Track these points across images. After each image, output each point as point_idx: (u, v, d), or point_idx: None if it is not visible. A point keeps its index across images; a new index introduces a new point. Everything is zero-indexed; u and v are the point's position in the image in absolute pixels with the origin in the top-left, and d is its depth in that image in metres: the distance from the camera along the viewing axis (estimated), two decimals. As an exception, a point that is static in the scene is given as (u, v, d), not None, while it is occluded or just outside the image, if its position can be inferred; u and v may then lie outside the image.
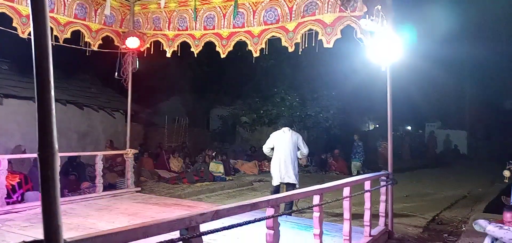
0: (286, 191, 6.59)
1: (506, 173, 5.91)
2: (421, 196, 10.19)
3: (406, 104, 22.08)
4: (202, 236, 2.22)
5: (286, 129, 6.86)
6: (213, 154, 13.69)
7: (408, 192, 10.38)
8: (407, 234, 6.40)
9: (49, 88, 1.44)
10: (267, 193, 8.58)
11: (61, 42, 6.32)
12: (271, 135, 7.04)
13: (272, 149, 6.91)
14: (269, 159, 7.47)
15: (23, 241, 1.45)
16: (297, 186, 6.65)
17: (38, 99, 1.44)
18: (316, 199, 3.54)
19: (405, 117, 24.42)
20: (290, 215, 6.40)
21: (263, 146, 7.12)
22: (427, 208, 8.47)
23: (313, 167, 15.11)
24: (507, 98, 22.35)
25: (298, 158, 6.93)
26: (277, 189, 6.79)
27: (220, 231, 2.27)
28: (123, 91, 8.05)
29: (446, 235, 6.47)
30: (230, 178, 12.56)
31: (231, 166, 13.68)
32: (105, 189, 7.85)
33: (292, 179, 6.68)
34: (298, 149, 6.82)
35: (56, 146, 1.44)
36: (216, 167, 12.77)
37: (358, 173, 13.02)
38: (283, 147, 6.72)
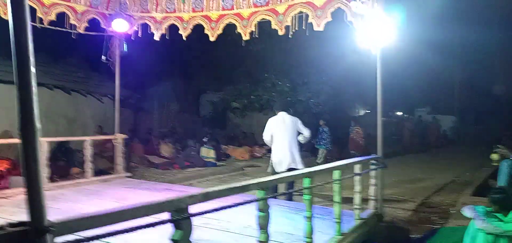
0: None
1: (494, 156, 5.98)
2: (411, 181, 10.30)
3: (397, 89, 22.18)
4: (192, 218, 2.19)
5: (283, 114, 6.47)
6: (204, 139, 13.66)
7: (398, 177, 10.48)
8: (396, 217, 6.48)
9: (28, 64, 1.38)
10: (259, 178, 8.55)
11: (45, 24, 6.16)
12: (268, 122, 6.58)
13: (272, 136, 6.46)
14: (260, 144, 7.11)
15: (9, 223, 1.40)
16: None
17: (17, 76, 1.39)
18: (306, 182, 3.53)
19: (395, 102, 24.54)
20: (290, 199, 6.26)
21: (263, 136, 6.63)
22: (416, 193, 8.57)
23: (303, 152, 15.14)
24: (496, 83, 22.55)
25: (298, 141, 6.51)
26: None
27: (209, 213, 2.24)
28: (111, 76, 7.91)
29: (435, 218, 6.56)
30: (221, 163, 12.56)
31: (222, 152, 13.67)
32: (95, 174, 7.78)
33: (299, 165, 6.24)
34: (299, 133, 6.43)
35: (38, 124, 1.39)
36: (207, 153, 12.75)
37: (325, 161, 12.70)
38: (285, 134, 6.31)
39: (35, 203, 1.35)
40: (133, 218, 1.84)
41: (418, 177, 10.99)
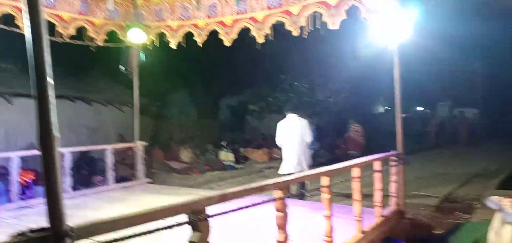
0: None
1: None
2: (434, 176, 10.11)
3: (416, 84, 21.80)
4: (210, 220, 2.21)
5: (291, 115, 6.58)
6: (223, 143, 13.75)
7: (421, 173, 10.31)
8: (419, 214, 6.37)
9: (45, 76, 1.44)
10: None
11: (65, 39, 6.32)
12: (277, 126, 6.76)
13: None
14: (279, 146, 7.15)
15: (29, 229, 1.45)
16: None
17: (36, 87, 1.44)
18: (325, 181, 3.51)
19: (415, 97, 24.14)
20: (302, 198, 6.35)
21: (276, 140, 6.80)
22: (439, 188, 8.40)
23: (323, 152, 15.06)
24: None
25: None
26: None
27: (227, 213, 2.26)
28: (130, 85, 8.06)
29: (459, 213, 6.42)
30: (241, 166, 12.60)
31: (241, 155, 13.72)
32: (116, 181, 7.92)
33: (305, 168, 6.36)
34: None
35: (57, 134, 1.44)
36: (226, 156, 12.84)
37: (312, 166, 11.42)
38: (291, 137, 6.44)
39: (54, 209, 1.40)
40: (151, 221, 1.88)
41: (442, 171, 10.79)
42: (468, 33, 21.45)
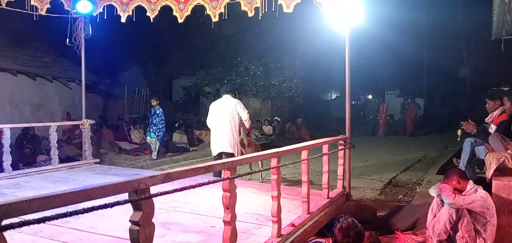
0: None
1: (459, 132, 6.18)
2: (379, 161, 10.54)
3: (367, 72, 22.51)
4: (154, 199, 2.15)
5: (226, 96, 6.43)
6: (176, 125, 13.52)
7: (368, 158, 10.71)
8: (364, 196, 6.62)
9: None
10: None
11: (3, 5, 5.88)
12: (210, 106, 6.60)
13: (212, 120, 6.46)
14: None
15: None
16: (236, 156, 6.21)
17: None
18: (273, 162, 3.54)
19: (366, 85, 24.93)
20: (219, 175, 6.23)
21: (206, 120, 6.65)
22: (384, 172, 8.77)
23: (276, 136, 15.26)
24: (461, 66, 23.21)
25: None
26: (219, 158, 6.26)
27: (171, 193, 2.21)
28: (78, 61, 7.67)
29: (401, 196, 6.74)
30: (194, 148, 12.47)
31: (195, 137, 13.57)
32: (62, 161, 7.58)
33: (227, 148, 6.23)
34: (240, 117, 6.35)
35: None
36: (180, 138, 12.64)
37: (157, 152, 10.43)
38: (220, 116, 6.31)
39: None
40: (89, 200, 1.79)
41: (387, 157, 11.26)
42: (417, 22, 22.37)
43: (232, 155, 6.13)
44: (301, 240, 3.82)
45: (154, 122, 10.45)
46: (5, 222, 1.43)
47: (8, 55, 11.11)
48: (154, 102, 10.64)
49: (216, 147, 6.37)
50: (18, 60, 11.31)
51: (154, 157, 10.28)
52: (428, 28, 23.37)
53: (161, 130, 10.46)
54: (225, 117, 6.27)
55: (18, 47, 11.98)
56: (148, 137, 10.52)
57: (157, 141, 10.41)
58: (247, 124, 6.43)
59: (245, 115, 6.33)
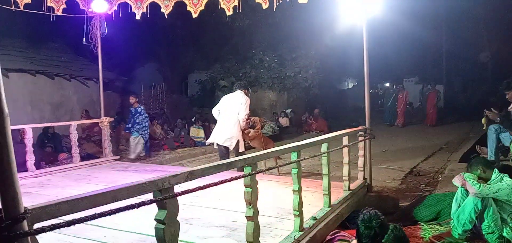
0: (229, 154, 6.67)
1: (484, 120, 6.05)
2: (399, 149, 10.40)
3: (383, 59, 22.13)
4: (178, 198, 2.16)
5: (238, 92, 6.79)
6: (193, 119, 13.59)
7: (387, 147, 10.58)
8: (386, 187, 6.54)
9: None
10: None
11: (21, 7, 5.96)
12: (222, 98, 7.00)
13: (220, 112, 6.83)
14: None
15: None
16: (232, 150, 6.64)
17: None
18: (294, 156, 3.51)
19: (383, 73, 24.54)
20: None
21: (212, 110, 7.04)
22: (405, 161, 8.65)
23: (293, 127, 15.19)
24: (482, 50, 22.61)
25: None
26: (223, 150, 6.73)
27: (195, 191, 2.21)
28: (95, 59, 7.76)
29: (423, 185, 6.64)
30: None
31: (211, 131, 13.61)
32: (83, 159, 7.70)
33: (224, 142, 6.61)
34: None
35: (6, 110, 1.32)
36: (197, 132, 12.70)
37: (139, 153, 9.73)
38: (227, 110, 6.67)
39: (7, 191, 1.30)
40: (115, 201, 1.80)
41: (407, 145, 11.10)
42: (435, 9, 21.86)
43: (226, 148, 6.63)
44: (323, 233, 3.80)
45: (137, 121, 9.76)
46: (37, 225, 1.44)
47: (27, 56, 11.31)
48: (132, 100, 9.90)
49: (214, 137, 6.80)
50: (36, 61, 11.51)
51: (132, 157, 9.53)
52: (446, 11, 22.78)
53: (145, 128, 9.87)
54: (231, 112, 6.63)
55: (36, 48, 12.19)
56: (131, 137, 9.81)
57: (141, 140, 9.77)
58: (242, 123, 6.67)
59: (243, 114, 6.63)
